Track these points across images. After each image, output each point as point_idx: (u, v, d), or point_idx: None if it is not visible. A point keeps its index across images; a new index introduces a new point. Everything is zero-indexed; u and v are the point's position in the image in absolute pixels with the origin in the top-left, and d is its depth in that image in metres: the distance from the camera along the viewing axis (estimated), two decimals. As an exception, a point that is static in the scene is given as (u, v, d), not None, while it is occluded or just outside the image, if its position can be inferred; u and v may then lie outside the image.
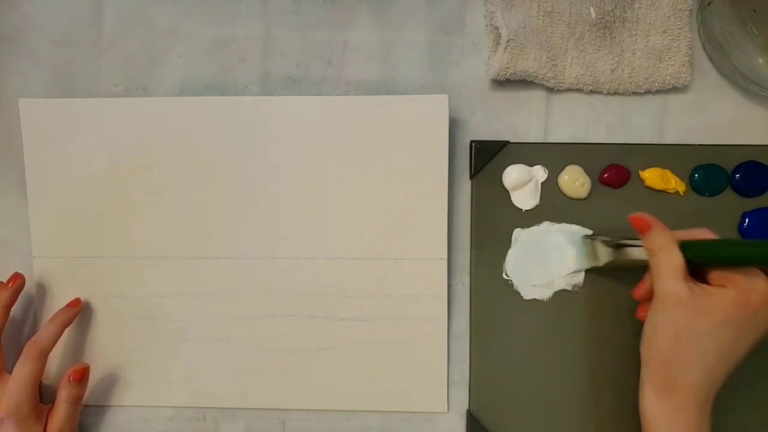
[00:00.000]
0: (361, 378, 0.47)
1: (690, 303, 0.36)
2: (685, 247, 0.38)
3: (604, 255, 0.44)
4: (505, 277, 0.47)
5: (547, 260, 0.47)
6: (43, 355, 0.44)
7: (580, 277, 0.46)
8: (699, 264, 0.38)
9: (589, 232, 0.46)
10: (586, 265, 0.46)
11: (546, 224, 0.47)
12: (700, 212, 0.46)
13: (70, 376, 0.45)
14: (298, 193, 0.47)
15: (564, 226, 0.47)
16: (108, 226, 0.48)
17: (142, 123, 0.47)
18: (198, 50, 0.49)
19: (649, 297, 0.39)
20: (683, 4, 0.46)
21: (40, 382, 0.46)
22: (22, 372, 0.44)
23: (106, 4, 0.49)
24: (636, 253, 0.41)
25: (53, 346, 0.45)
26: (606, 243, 0.44)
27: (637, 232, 0.40)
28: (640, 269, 0.41)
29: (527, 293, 0.47)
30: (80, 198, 0.48)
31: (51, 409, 0.45)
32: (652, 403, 0.38)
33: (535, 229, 0.47)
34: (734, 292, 0.36)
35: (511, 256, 0.47)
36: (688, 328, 0.36)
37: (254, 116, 0.47)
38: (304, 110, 0.46)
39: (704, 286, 0.37)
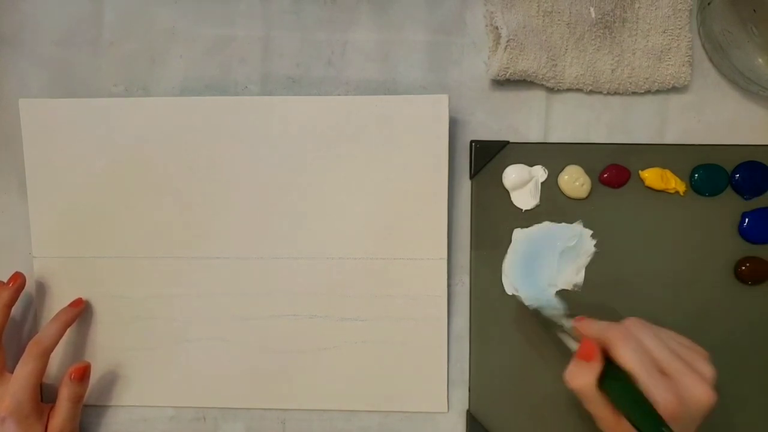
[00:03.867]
0: (361, 378, 0.47)
1: None
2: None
3: (552, 327, 0.44)
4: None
5: (547, 260, 0.47)
6: (46, 354, 0.44)
7: (580, 277, 0.46)
8: None
9: (590, 232, 0.46)
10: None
11: (546, 224, 0.47)
12: (700, 212, 0.46)
13: (71, 375, 0.45)
14: (298, 193, 0.47)
15: (564, 225, 0.47)
16: (108, 226, 0.48)
17: (142, 123, 0.47)
18: (198, 50, 0.49)
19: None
20: (683, 4, 0.46)
21: (42, 382, 0.46)
22: (24, 371, 0.44)
23: (106, 4, 0.49)
24: (572, 345, 0.42)
25: (55, 346, 0.45)
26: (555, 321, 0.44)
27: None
28: None
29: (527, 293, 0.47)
30: (80, 198, 0.48)
31: (52, 408, 0.46)
32: None
33: (535, 229, 0.47)
34: None
35: (511, 256, 0.47)
36: None
37: (254, 116, 0.47)
38: (304, 110, 0.46)
39: None
